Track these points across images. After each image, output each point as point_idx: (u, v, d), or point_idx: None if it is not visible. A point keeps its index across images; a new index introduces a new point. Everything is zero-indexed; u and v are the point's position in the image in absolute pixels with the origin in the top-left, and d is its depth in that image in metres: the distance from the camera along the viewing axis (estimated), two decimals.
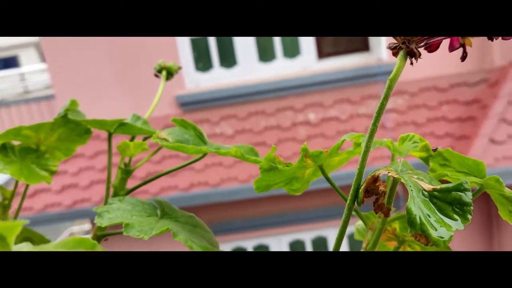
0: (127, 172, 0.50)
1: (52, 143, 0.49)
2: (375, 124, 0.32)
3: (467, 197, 0.31)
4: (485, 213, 3.58)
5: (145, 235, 0.36)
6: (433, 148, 0.39)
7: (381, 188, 0.34)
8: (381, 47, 3.62)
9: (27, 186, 0.48)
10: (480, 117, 3.22)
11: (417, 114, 3.45)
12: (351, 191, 0.34)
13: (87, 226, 7.29)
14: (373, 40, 3.74)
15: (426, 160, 0.39)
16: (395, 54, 0.32)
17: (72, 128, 0.49)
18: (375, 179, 0.34)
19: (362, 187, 0.34)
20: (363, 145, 0.32)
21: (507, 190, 0.33)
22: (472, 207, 0.30)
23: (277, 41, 3.76)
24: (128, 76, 3.70)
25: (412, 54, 0.32)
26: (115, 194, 0.49)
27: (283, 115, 3.64)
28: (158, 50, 3.67)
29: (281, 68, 3.74)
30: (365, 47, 3.76)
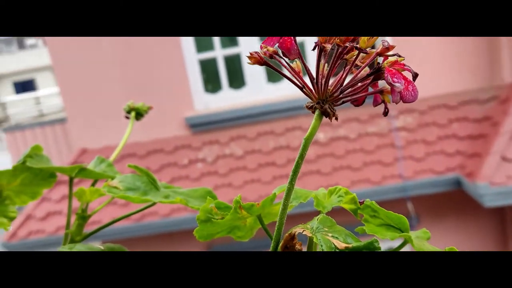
0: (83, 218, 0.51)
1: (16, 188, 0.51)
2: (291, 183, 0.32)
3: None
4: (500, 231, 3.51)
5: None
6: (360, 201, 0.39)
7: (297, 246, 0.34)
8: None
9: None
10: (491, 135, 3.17)
11: (427, 132, 3.41)
12: (271, 248, 0.34)
13: None
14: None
15: (355, 212, 0.39)
16: (313, 112, 0.33)
17: (36, 172, 0.50)
18: (292, 237, 0.34)
19: (281, 244, 0.34)
20: (282, 202, 0.33)
21: (427, 245, 0.33)
22: None
23: None
24: (139, 98, 3.75)
25: (326, 114, 0.32)
26: (72, 241, 0.50)
27: (292, 135, 3.64)
28: (168, 72, 3.72)
29: (289, 89, 3.76)
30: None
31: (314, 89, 0.32)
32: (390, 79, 0.30)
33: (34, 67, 16.39)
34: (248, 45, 3.69)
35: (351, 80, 0.32)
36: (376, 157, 3.36)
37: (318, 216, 0.36)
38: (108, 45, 3.71)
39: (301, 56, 0.31)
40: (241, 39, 3.70)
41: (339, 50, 0.31)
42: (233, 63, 3.79)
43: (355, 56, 0.31)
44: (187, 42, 3.67)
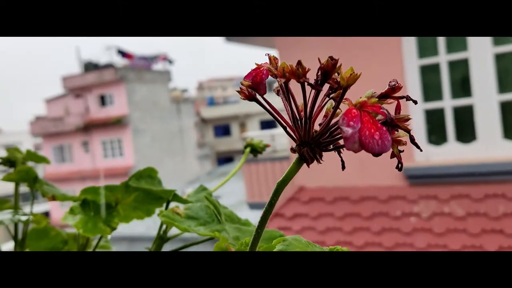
0: (162, 239, 0.53)
1: (131, 204, 0.56)
2: (257, 231, 0.27)
3: None
4: None
5: None
6: None
7: None
8: None
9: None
10: None
11: None
12: None
13: None
14: None
15: None
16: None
17: (147, 193, 0.55)
18: None
19: None
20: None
21: None
22: None
23: None
24: None
25: (304, 158, 0.26)
26: None
27: None
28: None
29: None
30: None
31: (297, 129, 0.26)
32: (342, 122, 0.23)
33: (278, 108, 18.11)
34: (483, 95, 3.34)
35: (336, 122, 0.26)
36: None
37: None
38: None
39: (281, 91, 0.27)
40: (475, 90, 3.38)
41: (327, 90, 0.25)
42: (463, 115, 3.48)
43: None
44: (414, 89, 3.54)
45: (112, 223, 0.53)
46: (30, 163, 0.63)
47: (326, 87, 0.29)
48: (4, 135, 26.01)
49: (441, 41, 3.46)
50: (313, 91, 0.28)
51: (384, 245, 3.43)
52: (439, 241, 3.18)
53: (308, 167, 0.28)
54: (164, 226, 0.54)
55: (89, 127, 18.36)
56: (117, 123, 17.78)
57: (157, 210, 0.55)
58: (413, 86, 3.55)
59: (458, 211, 3.28)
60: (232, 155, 21.46)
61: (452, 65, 3.48)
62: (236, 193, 8.61)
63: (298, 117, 0.28)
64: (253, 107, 20.65)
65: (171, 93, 20.53)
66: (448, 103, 3.49)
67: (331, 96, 0.28)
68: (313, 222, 3.86)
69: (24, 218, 0.56)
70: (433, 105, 3.55)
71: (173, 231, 0.52)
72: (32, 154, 0.63)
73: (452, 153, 3.48)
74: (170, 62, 21.34)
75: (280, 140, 6.99)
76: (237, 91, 0.31)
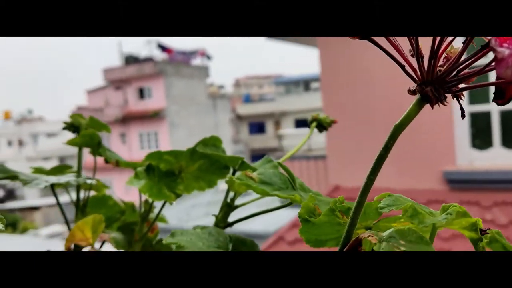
0: (229, 206, 0.52)
1: (194, 172, 0.56)
2: (370, 177, 0.26)
3: None
4: None
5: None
6: (483, 229, 0.28)
7: None
8: None
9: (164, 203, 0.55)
10: None
11: None
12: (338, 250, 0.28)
13: None
14: None
15: (475, 242, 0.28)
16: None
17: (212, 161, 0.54)
18: (359, 242, 0.27)
19: (345, 249, 0.27)
20: (356, 199, 0.26)
21: None
22: None
23: None
24: (398, 142, 3.68)
25: (427, 99, 0.24)
26: (215, 225, 0.51)
27: None
28: (434, 121, 3.55)
29: None
30: None
31: (419, 68, 0.25)
32: (494, 43, 0.21)
33: (314, 108, 18.10)
34: None
35: (470, 56, 0.24)
36: None
37: (397, 226, 0.28)
38: (379, 92, 3.79)
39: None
40: None
41: None
42: (510, 120, 3.36)
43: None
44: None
45: (176, 190, 0.53)
46: None
47: None
48: (46, 123, 26.83)
49: None
50: None
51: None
52: None
53: (432, 108, 0.27)
54: (231, 194, 0.54)
55: (127, 119, 18.72)
56: (154, 116, 18.06)
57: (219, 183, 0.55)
58: None
59: (501, 218, 3.17)
60: (266, 153, 21.40)
61: None
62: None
63: (421, 55, 0.27)
64: (289, 105, 20.59)
65: (208, 89, 20.72)
66: (495, 107, 3.37)
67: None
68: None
69: (88, 181, 0.57)
70: (479, 108, 3.44)
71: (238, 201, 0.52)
72: (95, 121, 0.64)
73: (496, 158, 3.37)
74: (209, 57, 21.51)
75: (315, 139, 6.95)
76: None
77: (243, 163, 0.53)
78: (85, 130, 0.60)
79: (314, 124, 0.67)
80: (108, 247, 0.55)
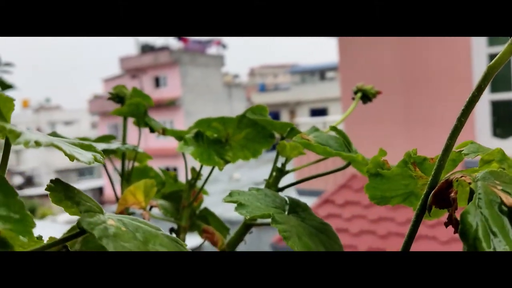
0: (280, 171, 0.53)
1: (241, 141, 0.57)
2: (460, 119, 0.26)
3: None
4: None
5: (249, 214, 0.38)
6: None
7: (452, 195, 0.27)
8: None
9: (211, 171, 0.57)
10: None
11: None
12: (422, 196, 0.28)
13: None
14: None
15: None
16: None
17: (258, 130, 0.55)
18: (449, 184, 0.27)
19: (433, 192, 0.28)
20: (446, 142, 0.27)
21: None
22: None
23: None
24: (418, 132, 3.66)
25: None
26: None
27: None
28: (454, 109, 3.52)
29: None
30: None
31: None
32: None
33: (329, 97, 18.00)
34: None
35: None
36: None
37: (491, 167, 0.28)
38: (397, 83, 3.76)
39: None
40: None
41: None
42: None
43: None
44: None
45: (225, 156, 0.55)
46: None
47: None
48: (64, 112, 27.15)
49: None
50: None
51: (439, 239, 3.34)
52: None
53: None
54: (282, 159, 0.55)
55: None
56: (170, 104, 18.14)
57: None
58: (480, 74, 3.41)
59: None
60: None
61: None
62: (283, 179, 8.64)
63: None
64: (304, 94, 20.51)
65: (223, 78, 20.72)
66: None
67: None
68: (364, 210, 3.81)
69: (136, 149, 0.58)
70: (501, 96, 3.40)
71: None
72: (138, 92, 0.65)
73: None
74: (224, 46, 21.49)
75: (333, 118, 6.96)
76: None
77: (293, 129, 0.54)
78: (130, 100, 0.61)
79: (359, 95, 0.68)
80: (157, 212, 0.57)
